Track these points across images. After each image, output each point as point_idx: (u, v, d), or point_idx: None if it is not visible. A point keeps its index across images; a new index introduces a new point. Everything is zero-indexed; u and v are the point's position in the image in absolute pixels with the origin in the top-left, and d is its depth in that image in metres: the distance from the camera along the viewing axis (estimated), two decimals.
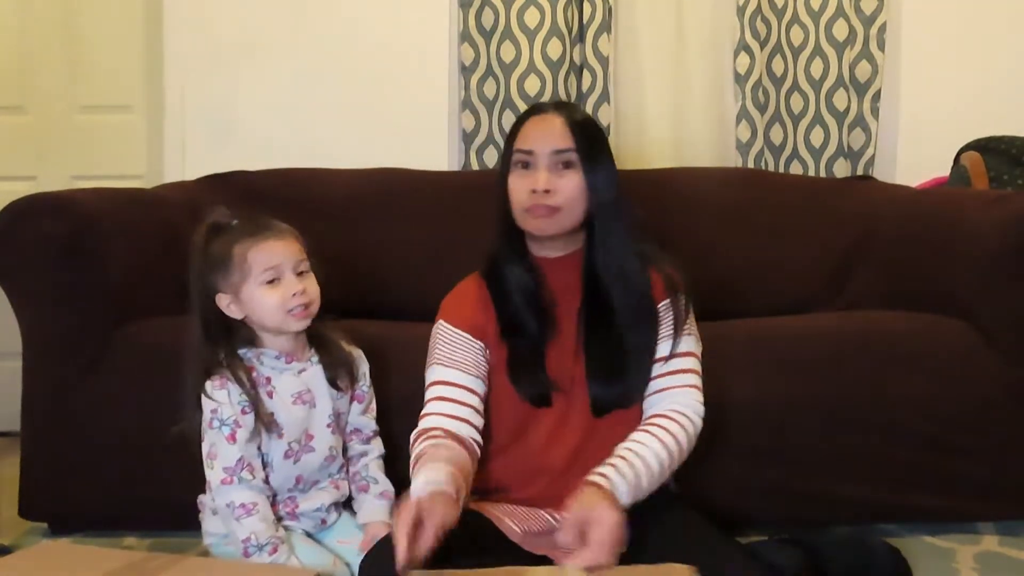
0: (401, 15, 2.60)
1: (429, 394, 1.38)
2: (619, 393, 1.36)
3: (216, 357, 1.40)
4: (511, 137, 1.39)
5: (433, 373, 1.39)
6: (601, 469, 1.24)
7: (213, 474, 1.37)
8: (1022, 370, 1.72)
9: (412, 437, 1.34)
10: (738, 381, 1.67)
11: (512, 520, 1.32)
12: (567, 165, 1.33)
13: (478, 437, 1.35)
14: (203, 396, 1.38)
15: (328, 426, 1.45)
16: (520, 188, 1.34)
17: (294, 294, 1.38)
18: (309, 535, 1.46)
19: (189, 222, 2.12)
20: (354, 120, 2.61)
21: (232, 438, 1.36)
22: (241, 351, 1.42)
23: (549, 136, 1.34)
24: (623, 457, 1.27)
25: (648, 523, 1.30)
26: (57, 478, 1.74)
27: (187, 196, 2.20)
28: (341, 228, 2.12)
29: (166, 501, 1.69)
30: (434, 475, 1.18)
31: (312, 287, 1.42)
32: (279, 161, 2.37)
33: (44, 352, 1.73)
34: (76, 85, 2.69)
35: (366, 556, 1.29)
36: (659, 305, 1.38)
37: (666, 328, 1.38)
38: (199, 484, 1.47)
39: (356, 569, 1.39)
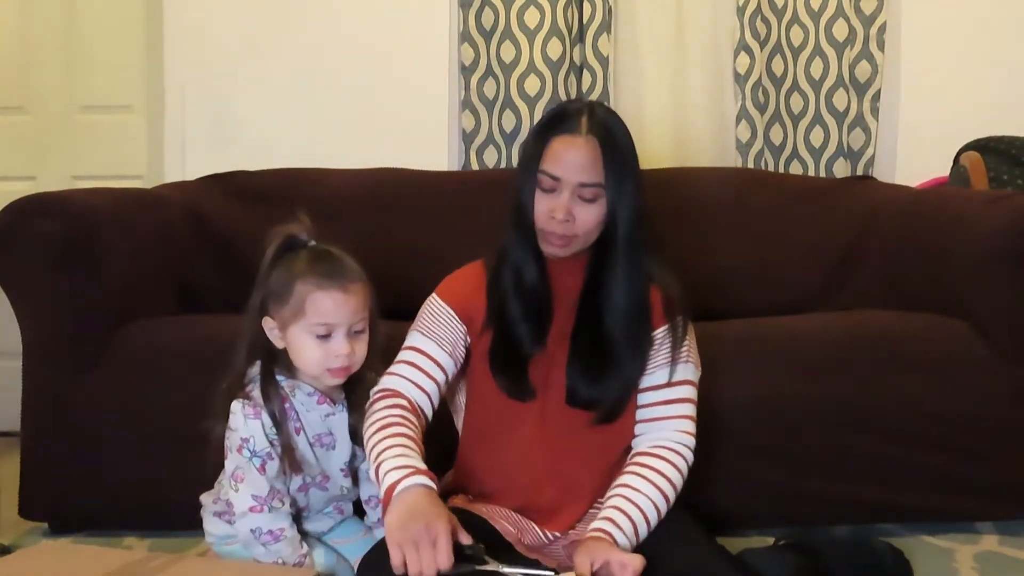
0: (401, 15, 2.61)
1: (402, 355, 1.39)
2: (595, 397, 1.34)
3: (252, 372, 1.35)
4: (538, 147, 1.31)
5: (411, 338, 1.41)
6: (602, 524, 1.24)
7: (238, 497, 1.31)
8: (1022, 370, 1.72)
9: (375, 391, 1.36)
10: (738, 381, 1.67)
11: (507, 523, 1.33)
12: (592, 198, 1.29)
13: (430, 412, 1.37)
14: (232, 415, 1.32)
15: (342, 470, 1.42)
16: (540, 209, 1.31)
17: (338, 355, 1.31)
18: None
19: (189, 222, 2.14)
20: (354, 120, 2.61)
21: (263, 469, 1.31)
22: (279, 377, 1.36)
23: (578, 166, 1.28)
24: (621, 509, 1.26)
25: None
26: (57, 478, 1.74)
27: (187, 196, 2.20)
28: (341, 228, 2.12)
29: (166, 501, 1.69)
30: (412, 461, 1.22)
31: (361, 349, 1.34)
32: (279, 161, 2.37)
33: (44, 352, 1.73)
34: (76, 85, 2.69)
35: (365, 556, 1.30)
36: (656, 332, 1.36)
37: (663, 356, 1.36)
38: (199, 484, 1.47)
39: (355, 566, 1.39)
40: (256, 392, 1.33)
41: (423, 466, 1.22)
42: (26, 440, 1.76)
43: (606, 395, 1.34)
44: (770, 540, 1.62)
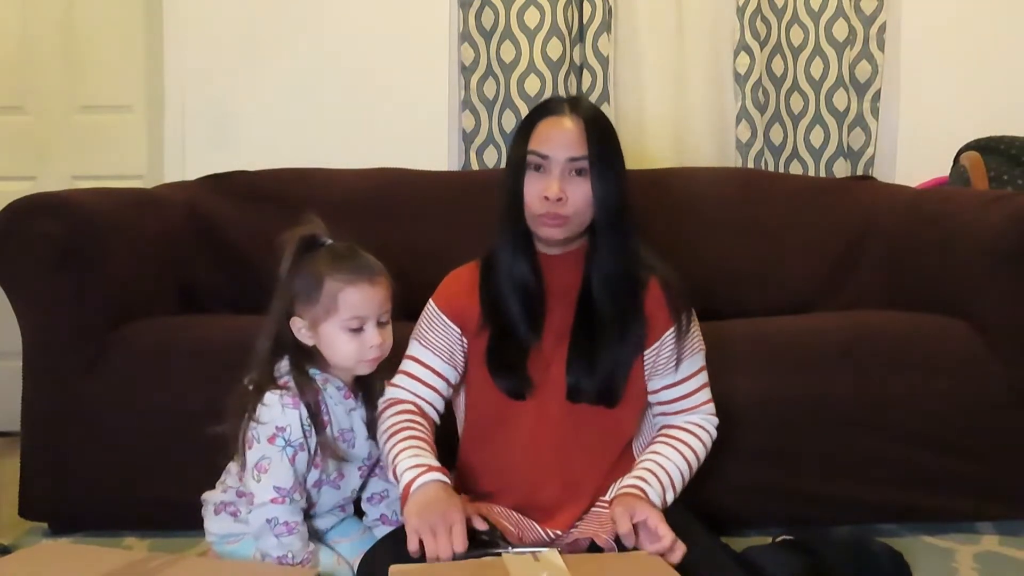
0: (401, 15, 2.61)
1: (403, 366, 1.43)
2: (595, 390, 1.35)
3: (282, 366, 1.36)
4: (523, 134, 1.35)
5: (411, 347, 1.44)
6: (634, 481, 1.29)
7: (260, 487, 1.32)
8: (1022, 370, 1.72)
9: (382, 402, 1.41)
10: (738, 381, 1.67)
11: (508, 523, 1.33)
12: (579, 172, 1.31)
13: (436, 417, 1.42)
14: (264, 407, 1.33)
15: (359, 469, 1.44)
16: (532, 192, 1.32)
17: (372, 346, 1.34)
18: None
19: (189, 222, 2.14)
20: (354, 120, 2.61)
21: (293, 460, 1.32)
22: (311, 371, 1.38)
23: (565, 143, 1.31)
24: (651, 471, 1.31)
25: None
26: (57, 478, 1.74)
27: (187, 196, 2.20)
28: (341, 228, 2.12)
29: (166, 501, 1.69)
30: (426, 459, 1.27)
31: (389, 338, 1.37)
32: (279, 161, 2.37)
33: (44, 352, 1.73)
34: (76, 85, 2.69)
35: (366, 555, 1.30)
36: (665, 336, 1.37)
37: (672, 353, 1.37)
38: (199, 484, 1.47)
39: (354, 565, 1.40)
40: (292, 383, 1.35)
41: (436, 463, 1.27)
42: (26, 440, 1.76)
43: (606, 386, 1.36)
44: (768, 540, 1.62)
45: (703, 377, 1.42)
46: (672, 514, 1.30)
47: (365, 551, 1.33)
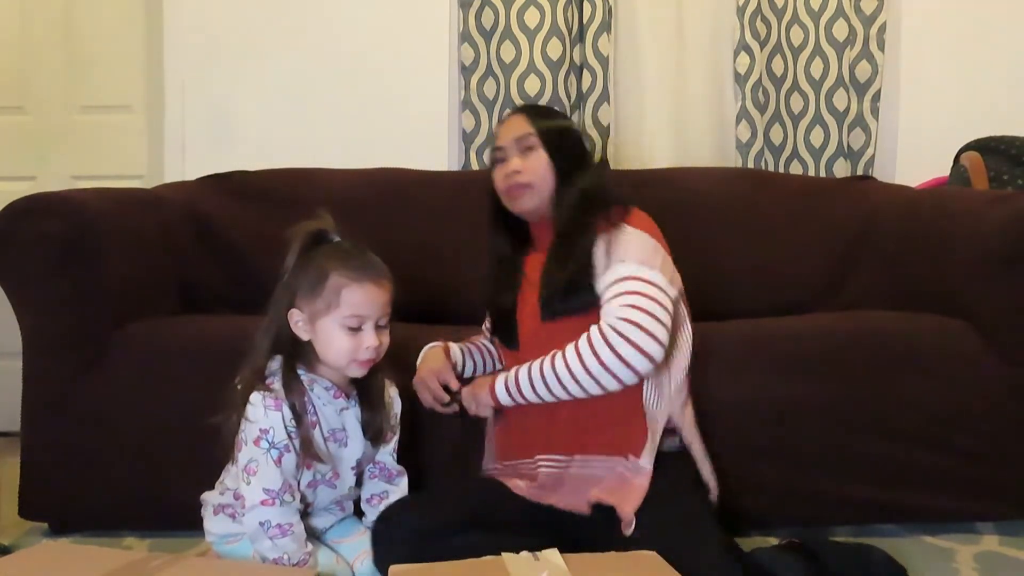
0: (401, 15, 2.61)
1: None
2: (562, 295, 1.48)
3: (272, 366, 1.36)
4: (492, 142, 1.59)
5: None
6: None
7: (250, 490, 1.32)
8: (1022, 370, 1.72)
9: None
10: (737, 381, 1.67)
11: (519, 479, 1.48)
12: (530, 148, 1.56)
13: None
14: (251, 407, 1.33)
15: (352, 468, 1.44)
16: (498, 178, 1.60)
17: (368, 347, 1.34)
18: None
19: (189, 222, 2.14)
20: (354, 120, 2.61)
21: (279, 462, 1.31)
22: (299, 371, 1.37)
23: (511, 129, 1.59)
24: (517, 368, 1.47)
25: (659, 513, 1.33)
26: (57, 478, 1.74)
27: (187, 196, 2.20)
28: (341, 228, 2.13)
29: (166, 501, 1.69)
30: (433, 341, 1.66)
31: (386, 342, 1.37)
32: (279, 161, 2.37)
33: (44, 352, 1.73)
34: (76, 85, 2.69)
35: (379, 517, 1.38)
36: (597, 239, 1.47)
37: (603, 261, 1.45)
38: (199, 484, 1.47)
39: (354, 566, 1.41)
40: (277, 384, 1.34)
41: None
42: (26, 440, 1.76)
43: (568, 298, 1.47)
44: (770, 540, 1.62)
45: (630, 285, 1.39)
46: (691, 514, 1.36)
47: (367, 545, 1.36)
